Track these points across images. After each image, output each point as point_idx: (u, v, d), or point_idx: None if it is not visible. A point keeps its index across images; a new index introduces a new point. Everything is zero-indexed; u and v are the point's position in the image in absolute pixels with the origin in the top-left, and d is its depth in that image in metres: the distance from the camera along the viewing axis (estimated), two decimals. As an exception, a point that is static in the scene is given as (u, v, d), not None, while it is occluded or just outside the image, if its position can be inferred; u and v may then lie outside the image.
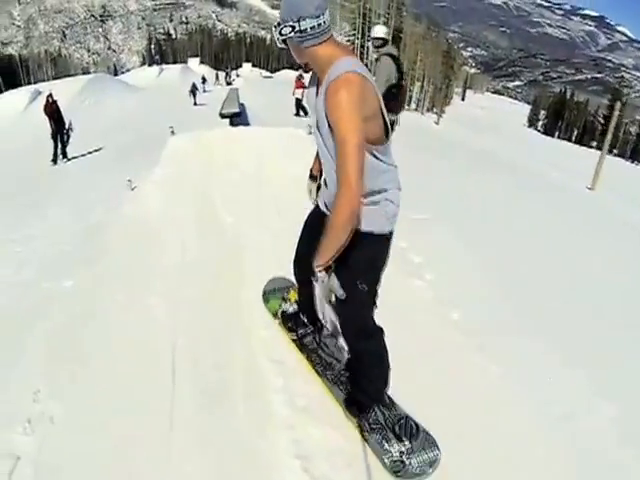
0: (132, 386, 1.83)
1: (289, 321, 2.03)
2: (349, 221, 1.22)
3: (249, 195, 3.84)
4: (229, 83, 32.62)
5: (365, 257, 1.40)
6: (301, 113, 12.85)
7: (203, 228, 3.35)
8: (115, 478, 1.49)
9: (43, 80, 39.53)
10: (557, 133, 61.14)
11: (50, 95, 9.25)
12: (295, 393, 1.78)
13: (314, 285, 1.58)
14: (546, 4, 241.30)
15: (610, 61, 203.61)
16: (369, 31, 37.90)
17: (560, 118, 65.59)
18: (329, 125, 1.24)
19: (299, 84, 13.33)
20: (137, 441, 1.60)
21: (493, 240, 3.69)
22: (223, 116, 5.07)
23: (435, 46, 42.03)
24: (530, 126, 61.72)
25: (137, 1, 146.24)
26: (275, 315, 2.14)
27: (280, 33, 1.26)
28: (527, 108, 73.55)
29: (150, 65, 61.57)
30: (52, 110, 9.13)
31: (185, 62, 56.34)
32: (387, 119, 1.38)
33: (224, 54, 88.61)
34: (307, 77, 1.69)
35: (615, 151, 47.32)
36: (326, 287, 1.35)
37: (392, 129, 4.33)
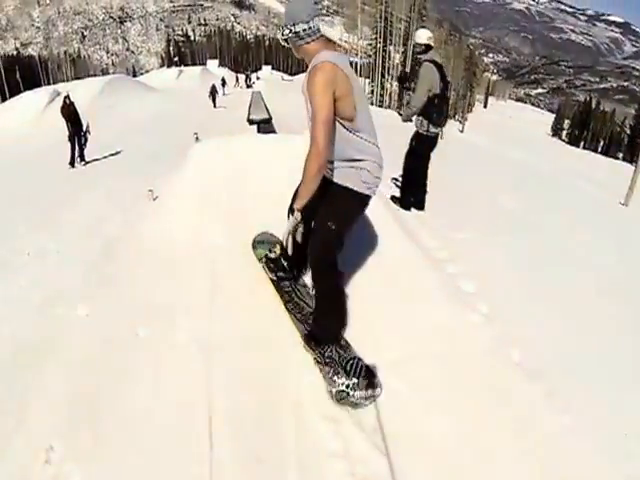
0: (161, 449, 1.55)
1: (271, 263, 2.36)
2: (317, 172, 1.59)
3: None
4: (249, 86, 32.42)
5: (339, 205, 1.75)
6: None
7: (235, 253, 2.81)
8: None
9: (63, 81, 39.99)
10: (582, 143, 59.25)
11: (67, 96, 8.95)
12: (357, 460, 1.54)
13: (288, 223, 1.80)
14: (569, 10, 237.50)
15: (636, 69, 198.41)
16: (390, 35, 37.64)
17: (585, 128, 63.63)
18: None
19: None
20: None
21: (548, 263, 3.36)
22: (252, 122, 4.52)
23: (457, 52, 41.37)
24: (554, 135, 60.13)
25: (155, 3, 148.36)
26: (260, 260, 2.44)
27: (282, 34, 1.69)
28: (547, 116, 71.90)
29: (169, 67, 62.24)
30: (69, 112, 8.82)
31: (204, 64, 56.64)
32: (358, 99, 1.66)
33: (243, 56, 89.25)
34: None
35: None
36: (295, 222, 1.72)
37: (435, 143, 3.60)
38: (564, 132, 65.08)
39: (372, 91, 36.78)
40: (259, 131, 4.39)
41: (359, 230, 2.88)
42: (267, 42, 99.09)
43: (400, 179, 4.11)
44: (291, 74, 58.55)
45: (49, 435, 1.59)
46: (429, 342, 2.15)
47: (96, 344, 2.10)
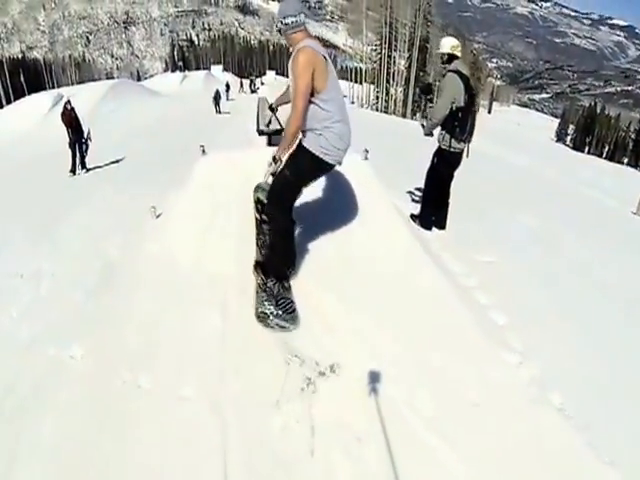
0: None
1: (260, 206, 2.52)
2: (295, 132, 2.07)
3: (303, 244, 2.98)
4: (253, 91, 32.20)
5: (296, 160, 2.16)
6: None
7: (246, 281, 2.51)
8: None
9: (67, 84, 40.08)
10: (587, 148, 58.75)
11: (68, 102, 8.74)
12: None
13: (271, 167, 2.16)
14: (573, 14, 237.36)
15: None
16: (395, 41, 37.47)
17: (590, 133, 63.16)
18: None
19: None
20: None
21: (573, 287, 3.25)
22: (262, 133, 4.24)
23: (462, 57, 41.08)
24: (558, 141, 59.71)
25: (160, 8, 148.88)
26: (256, 202, 2.57)
27: (276, 25, 2.13)
28: (550, 121, 71.49)
29: (173, 71, 62.36)
30: (70, 119, 8.60)
31: (208, 69, 56.67)
32: (330, 77, 2.07)
33: (247, 61, 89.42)
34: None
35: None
36: (276, 168, 2.14)
37: (458, 161, 3.06)
38: (568, 137, 64.66)
39: (377, 97, 36.60)
40: (270, 143, 4.12)
41: (386, 256, 2.65)
42: (271, 47, 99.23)
43: (416, 192, 3.87)
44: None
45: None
46: (465, 391, 1.93)
47: (92, 394, 1.90)
